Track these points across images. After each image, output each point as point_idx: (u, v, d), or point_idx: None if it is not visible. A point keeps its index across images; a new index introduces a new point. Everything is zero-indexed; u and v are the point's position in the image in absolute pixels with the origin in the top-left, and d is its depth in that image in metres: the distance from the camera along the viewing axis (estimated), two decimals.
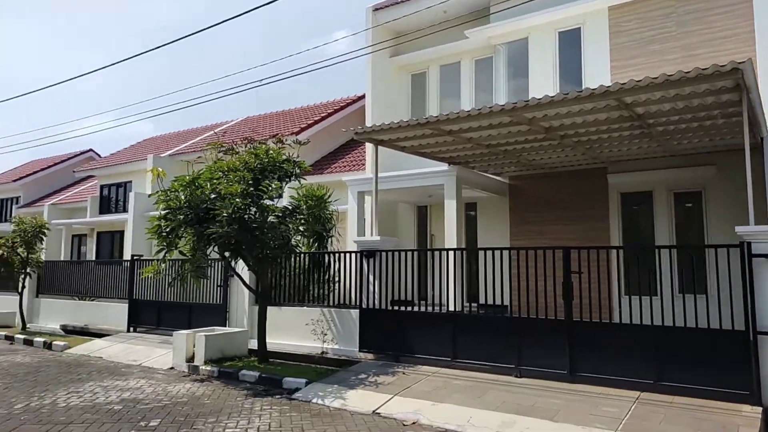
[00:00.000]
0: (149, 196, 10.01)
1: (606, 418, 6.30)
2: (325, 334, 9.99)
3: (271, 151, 9.89)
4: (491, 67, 14.61)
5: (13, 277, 15.04)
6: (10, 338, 13.84)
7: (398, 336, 9.37)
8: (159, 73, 75.32)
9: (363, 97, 20.47)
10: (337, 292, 11.17)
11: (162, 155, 20.77)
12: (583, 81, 12.71)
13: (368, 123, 15.06)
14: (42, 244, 14.97)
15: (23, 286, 15.10)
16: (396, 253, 9.83)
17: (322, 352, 10.26)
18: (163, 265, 10.00)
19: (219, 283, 12.03)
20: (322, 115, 18.80)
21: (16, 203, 28.42)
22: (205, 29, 13.08)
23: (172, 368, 10.21)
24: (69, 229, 24.04)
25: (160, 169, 9.48)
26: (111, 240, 23.15)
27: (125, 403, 7.44)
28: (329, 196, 11.44)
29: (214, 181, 9.21)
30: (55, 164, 29.48)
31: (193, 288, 12.02)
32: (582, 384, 7.51)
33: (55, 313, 15.86)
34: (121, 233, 22.66)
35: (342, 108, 19.57)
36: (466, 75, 15.08)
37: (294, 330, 10.79)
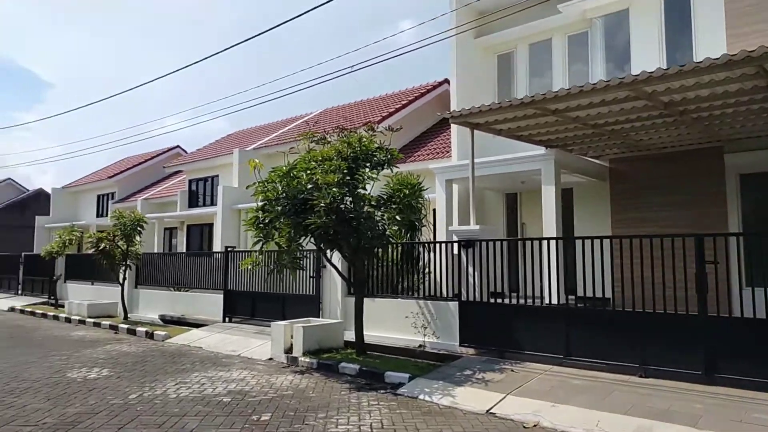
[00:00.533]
0: (246, 188, 10.01)
1: (760, 427, 5.58)
2: (426, 328, 9.65)
3: (364, 139, 9.62)
4: (586, 43, 13.70)
5: (113, 269, 15.72)
6: (114, 328, 14.47)
7: (502, 330, 8.89)
8: (234, 72, 77.70)
9: (442, 83, 20.00)
10: (427, 283, 10.83)
11: (247, 149, 21.14)
12: (695, 51, 11.61)
13: (453, 108, 14.55)
14: (140, 237, 15.55)
15: (124, 278, 15.76)
16: (496, 243, 9.32)
17: (420, 346, 9.94)
18: (260, 257, 9.99)
19: (311, 274, 11.96)
20: (403, 102, 18.44)
21: (112, 198, 30.01)
22: (278, 26, 13.00)
23: (270, 359, 10.23)
24: (161, 223, 25.07)
25: (257, 161, 9.42)
26: (200, 232, 23.95)
27: (233, 396, 7.43)
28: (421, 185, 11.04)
29: (310, 171, 9.04)
30: (146, 161, 30.89)
31: (286, 279, 12.03)
32: (721, 386, 6.75)
33: (152, 304, 16.49)
34: (210, 226, 23.38)
35: (421, 95, 19.12)
36: (559, 52, 14.22)
37: (388, 322, 10.54)
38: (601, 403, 6.58)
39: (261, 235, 9.60)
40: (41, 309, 18.93)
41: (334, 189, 8.57)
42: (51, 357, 10.36)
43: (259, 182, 9.25)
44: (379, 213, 8.83)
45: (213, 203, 23.40)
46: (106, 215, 29.63)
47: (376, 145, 9.74)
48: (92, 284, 19.77)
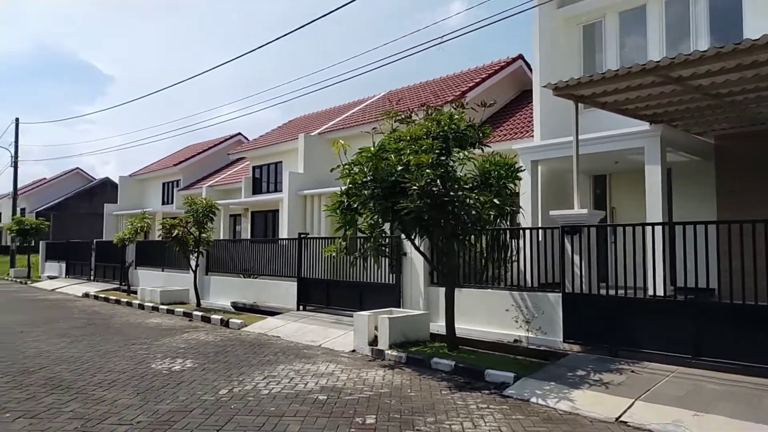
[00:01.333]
0: (331, 170, 9.46)
1: None
2: (528, 322, 8.85)
3: (455, 116, 8.87)
4: (687, 9, 12.40)
5: (186, 255, 15.62)
6: (188, 315, 14.36)
7: (613, 325, 8.01)
8: (282, 62, 78.15)
9: (516, 59, 18.91)
10: (515, 272, 10.03)
11: (312, 134, 20.73)
12: None
13: (537, 83, 13.56)
14: (212, 223, 15.37)
15: (197, 265, 15.65)
16: (609, 229, 8.41)
17: (515, 341, 9.18)
18: (343, 243, 9.44)
19: (391, 262, 11.34)
20: (476, 80, 17.51)
21: (177, 186, 30.40)
22: (324, 15, 12.32)
23: (353, 351, 9.71)
24: (226, 209, 25.09)
25: (342, 142, 8.83)
26: (264, 219, 23.81)
27: (327, 393, 6.91)
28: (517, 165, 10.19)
29: (399, 152, 8.37)
30: (209, 148, 31.11)
31: (365, 267, 11.50)
32: None
33: (223, 291, 16.35)
34: (274, 212, 23.20)
35: (495, 72, 18.11)
36: (655, 19, 12.94)
37: (477, 314, 9.82)
38: (753, 412, 5.68)
39: (345, 220, 9.04)
40: (114, 295, 19.20)
41: (427, 170, 7.88)
42: (131, 346, 10.19)
43: (345, 164, 8.67)
44: (474, 196, 8.06)
45: (277, 189, 23.21)
46: (171, 202, 30.09)
47: (467, 123, 8.98)
48: (162, 271, 19.91)
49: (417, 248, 9.61)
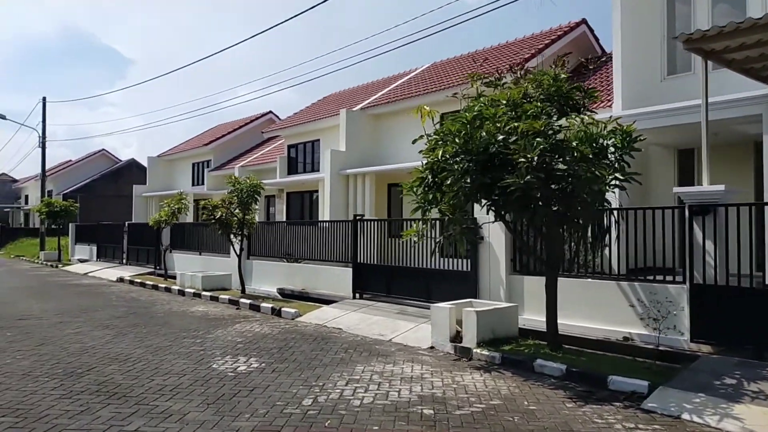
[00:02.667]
0: (413, 142, 8.28)
1: None
2: (643, 318, 7.60)
3: (561, 76, 7.56)
4: None
5: (230, 239, 14.59)
6: (234, 303, 13.36)
7: (759, 323, 6.73)
8: (304, 42, 76.65)
9: (579, 24, 17.38)
10: (617, 258, 8.79)
11: (354, 109, 19.47)
12: None
13: (617, 50, 12.14)
14: (256, 205, 14.29)
15: (241, 249, 14.63)
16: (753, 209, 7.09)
17: (625, 339, 7.97)
18: (423, 226, 8.27)
19: (466, 247, 10.10)
20: (539, 47, 16.05)
21: (207, 167, 29.45)
22: None
23: (432, 348, 8.59)
24: None
25: (427, 108, 7.60)
26: (300, 200, 22.73)
27: (430, 405, 5.78)
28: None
29: (496, 118, 7.10)
30: (240, 127, 30.03)
31: (426, 252, 10.33)
32: None
33: (267, 276, 15.35)
34: (311, 193, 22.10)
35: (558, 38, 16.59)
36: None
37: (577, 307, 8.59)
38: None
39: (426, 200, 7.84)
40: (150, 280, 18.34)
41: (538, 139, 6.62)
42: (183, 340, 9.19)
43: (437, 132, 7.43)
44: (594, 171, 6.77)
45: (314, 169, 22.08)
46: (202, 183, 29.16)
47: (570, 85, 7.67)
48: (200, 254, 18.99)
49: (514, 231, 8.37)
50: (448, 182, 7.08)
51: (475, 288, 10.02)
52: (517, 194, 6.66)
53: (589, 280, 8.60)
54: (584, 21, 17.14)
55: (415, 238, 8.42)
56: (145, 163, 36.13)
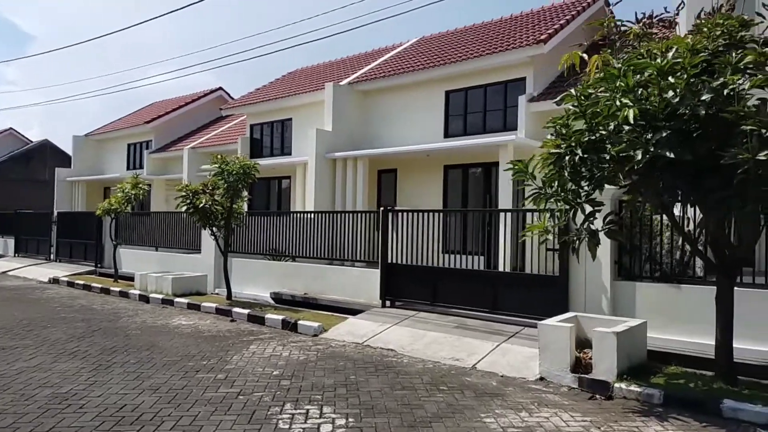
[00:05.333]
0: (557, 103, 6.11)
1: None
2: None
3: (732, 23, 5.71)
4: None
5: (212, 232, 11.86)
6: (224, 313, 10.72)
7: None
8: (216, 26, 72.20)
9: None
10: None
11: (341, 83, 17.01)
12: None
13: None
14: (246, 192, 11.63)
15: (227, 244, 11.92)
16: None
17: None
18: (551, 221, 6.21)
19: (552, 246, 8.12)
20: (566, 18, 14.35)
21: (147, 148, 25.84)
22: None
23: (541, 379, 6.58)
24: None
25: (579, 52, 5.53)
26: (267, 188, 20.01)
27: None
28: None
29: (690, 71, 5.12)
30: (186, 104, 26.61)
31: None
32: None
33: (254, 278, 12.75)
34: (282, 180, 19.48)
35: (577, 13, 14.98)
36: None
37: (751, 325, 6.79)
38: None
39: (560, 184, 5.80)
40: (95, 281, 15.12)
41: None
42: (196, 374, 6.63)
43: (600, 78, 5.33)
44: None
45: (284, 152, 19.45)
46: (141, 167, 25.55)
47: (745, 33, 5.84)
48: (156, 250, 15.95)
49: (678, 224, 6.40)
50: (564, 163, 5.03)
51: (564, 297, 8.09)
52: (740, 177, 4.73)
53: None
54: None
55: (549, 236, 6.29)
56: (60, 145, 31.75)
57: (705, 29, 5.63)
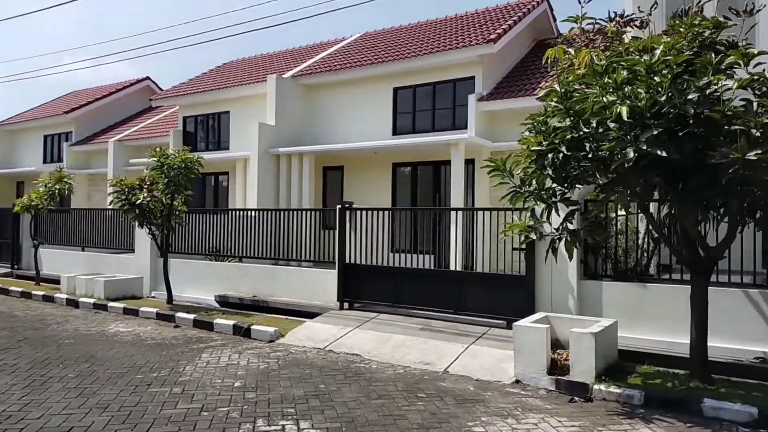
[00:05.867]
0: (539, 99, 5.95)
1: None
2: None
3: (715, 25, 5.78)
4: None
5: (150, 231, 10.98)
6: (167, 318, 9.93)
7: None
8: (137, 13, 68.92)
9: (542, 1, 16.17)
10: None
11: (284, 76, 16.37)
12: None
13: None
14: (189, 188, 10.82)
15: (167, 244, 11.06)
16: None
17: (757, 358, 6.51)
18: (530, 218, 6.05)
19: (518, 246, 8.01)
20: (514, 19, 14.46)
21: (67, 140, 23.96)
22: None
23: (517, 381, 6.44)
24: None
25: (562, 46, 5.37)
26: (202, 185, 18.98)
27: None
28: None
29: (667, 71, 5.10)
30: (110, 94, 24.88)
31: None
32: None
33: (195, 279, 11.94)
34: (216, 176, 18.57)
35: (520, 18, 15.14)
36: None
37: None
38: None
39: (538, 182, 5.66)
40: (13, 284, 13.73)
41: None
42: (149, 388, 5.97)
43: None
44: None
45: (220, 147, 18.56)
46: (60, 160, 23.65)
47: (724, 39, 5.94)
48: (83, 251, 14.70)
49: (655, 222, 6.38)
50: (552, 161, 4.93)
51: (530, 297, 8.00)
52: (728, 176, 4.74)
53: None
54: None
55: (532, 236, 6.11)
56: None
57: (681, 29, 5.65)
